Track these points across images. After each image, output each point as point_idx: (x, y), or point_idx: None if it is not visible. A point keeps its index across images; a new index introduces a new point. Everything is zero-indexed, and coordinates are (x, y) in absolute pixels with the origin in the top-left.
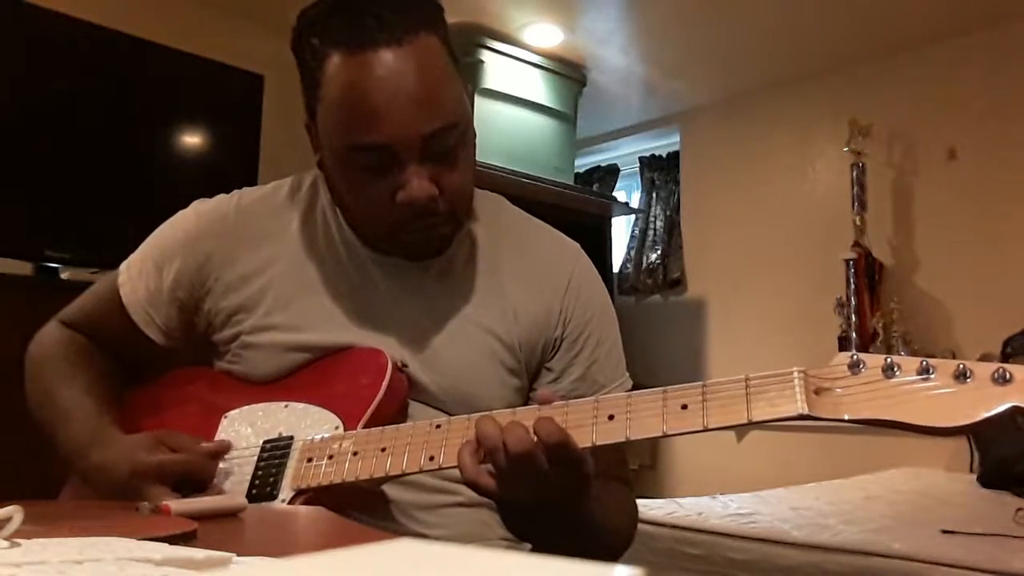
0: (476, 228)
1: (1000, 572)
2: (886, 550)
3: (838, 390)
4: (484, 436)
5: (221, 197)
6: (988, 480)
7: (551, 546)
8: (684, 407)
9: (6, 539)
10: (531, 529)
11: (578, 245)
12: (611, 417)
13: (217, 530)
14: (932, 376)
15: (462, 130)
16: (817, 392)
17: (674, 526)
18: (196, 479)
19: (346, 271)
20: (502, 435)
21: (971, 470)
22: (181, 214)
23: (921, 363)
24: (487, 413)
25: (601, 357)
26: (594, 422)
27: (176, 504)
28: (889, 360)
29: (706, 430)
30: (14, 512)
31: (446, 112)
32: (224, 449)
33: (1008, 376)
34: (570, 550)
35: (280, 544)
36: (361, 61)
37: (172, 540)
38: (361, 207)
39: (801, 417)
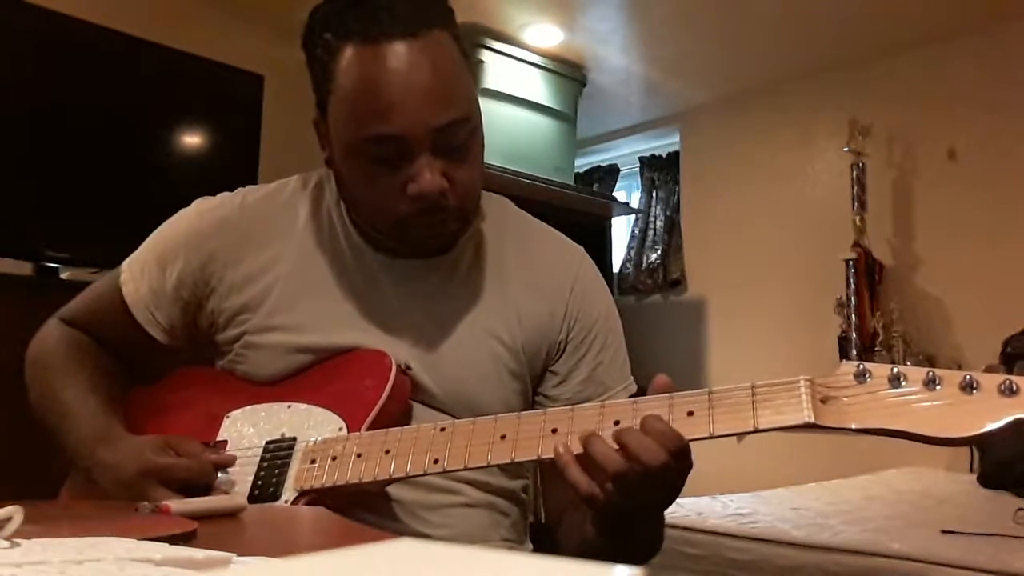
0: (481, 229)
1: (1000, 572)
2: (886, 550)
3: (844, 399)
4: (607, 460)
5: (224, 195)
6: (988, 480)
7: (640, 542)
8: (690, 414)
9: (6, 539)
10: (632, 528)
11: (582, 248)
12: (617, 423)
13: (217, 530)
14: (938, 387)
15: (473, 126)
16: (824, 401)
17: (674, 526)
18: (198, 485)
19: (351, 272)
20: (623, 450)
21: (971, 470)
22: (184, 212)
23: (927, 373)
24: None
25: (607, 359)
26: (599, 427)
27: (176, 504)
28: (896, 370)
29: (712, 437)
30: (14, 512)
31: (458, 106)
32: (230, 462)
33: (1015, 388)
34: (652, 543)
35: (280, 544)
36: (375, 52)
37: (172, 540)
38: (371, 201)
39: (807, 426)
